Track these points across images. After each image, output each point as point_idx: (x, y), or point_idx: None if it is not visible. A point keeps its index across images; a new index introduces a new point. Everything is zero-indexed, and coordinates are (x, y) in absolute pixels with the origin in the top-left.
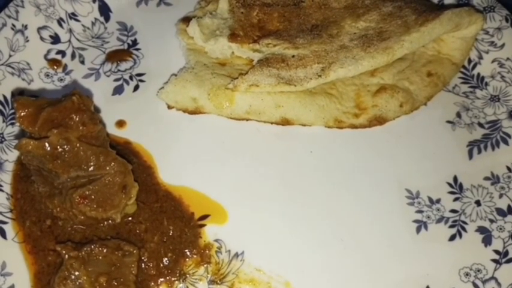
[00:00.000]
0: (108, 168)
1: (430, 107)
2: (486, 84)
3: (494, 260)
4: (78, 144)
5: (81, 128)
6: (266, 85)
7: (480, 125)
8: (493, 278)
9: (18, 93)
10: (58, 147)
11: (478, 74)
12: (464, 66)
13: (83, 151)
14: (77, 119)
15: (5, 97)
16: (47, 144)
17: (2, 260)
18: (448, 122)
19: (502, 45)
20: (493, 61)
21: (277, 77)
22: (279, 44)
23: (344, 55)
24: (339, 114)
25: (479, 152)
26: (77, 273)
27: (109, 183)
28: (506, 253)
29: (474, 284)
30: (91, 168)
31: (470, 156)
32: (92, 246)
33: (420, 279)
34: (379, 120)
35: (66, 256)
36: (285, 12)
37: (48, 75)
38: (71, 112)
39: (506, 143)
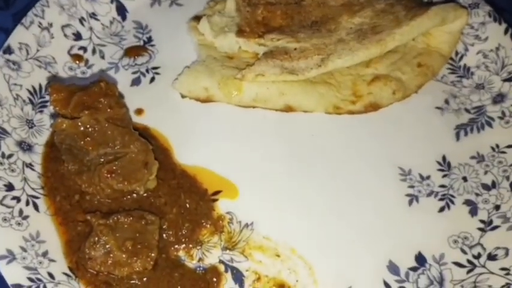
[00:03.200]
0: (132, 146)
1: (421, 95)
2: (472, 73)
3: (480, 229)
4: (106, 125)
5: (108, 110)
6: (271, 75)
7: (466, 110)
8: (478, 243)
9: (48, 81)
10: (89, 126)
11: (465, 65)
12: (451, 58)
13: (110, 131)
14: (105, 102)
15: (34, 88)
16: (79, 124)
17: (36, 229)
18: (437, 108)
19: (486, 38)
20: (478, 53)
21: (281, 67)
22: (282, 38)
23: (341, 47)
24: (338, 101)
25: (466, 134)
26: (105, 238)
27: (133, 159)
28: (491, 222)
29: (462, 249)
30: (117, 146)
31: (458, 138)
32: (119, 216)
33: (413, 245)
34: (373, 107)
35: (96, 223)
36: (287, 10)
37: (71, 69)
38: (99, 96)
39: (490, 125)
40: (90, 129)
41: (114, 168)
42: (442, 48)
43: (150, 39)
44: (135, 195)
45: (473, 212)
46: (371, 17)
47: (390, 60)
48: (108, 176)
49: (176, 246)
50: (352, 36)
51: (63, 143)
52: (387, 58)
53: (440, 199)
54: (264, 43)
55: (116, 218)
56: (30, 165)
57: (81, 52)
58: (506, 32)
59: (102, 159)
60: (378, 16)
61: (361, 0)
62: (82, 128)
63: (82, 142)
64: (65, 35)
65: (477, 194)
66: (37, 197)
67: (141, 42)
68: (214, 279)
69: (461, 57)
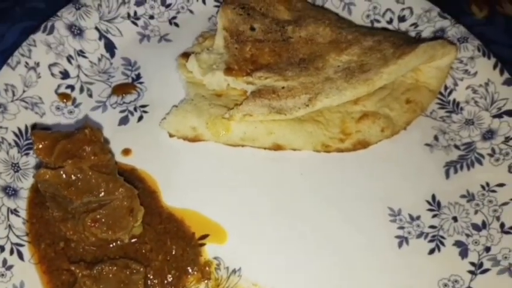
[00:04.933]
0: (116, 193)
1: (410, 131)
2: (461, 109)
3: (470, 271)
4: (90, 173)
5: (92, 157)
6: (259, 114)
7: (456, 146)
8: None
9: (32, 127)
10: (72, 176)
11: (454, 100)
12: (440, 93)
13: (94, 179)
14: (89, 149)
15: (19, 130)
16: (62, 174)
17: (20, 279)
18: (426, 144)
19: (475, 73)
20: (467, 88)
21: (268, 106)
22: (270, 76)
23: (329, 86)
24: (326, 139)
25: (456, 171)
26: None
27: (118, 207)
28: (481, 265)
29: None
30: (101, 194)
31: (447, 175)
32: (103, 266)
33: None
34: (362, 144)
35: (80, 274)
36: (275, 47)
37: (59, 108)
38: (83, 144)
39: (480, 163)
40: (73, 179)
41: (98, 217)
42: (430, 83)
43: (138, 76)
44: (120, 242)
45: (464, 253)
46: (358, 55)
47: (378, 96)
48: (92, 225)
49: None
50: (340, 74)
51: (47, 191)
52: (375, 95)
53: (430, 240)
54: (252, 81)
55: (100, 268)
56: (15, 211)
57: (68, 91)
58: (495, 66)
59: (86, 208)
60: (366, 54)
61: (348, 37)
62: (65, 178)
63: (65, 192)
64: (52, 74)
65: (467, 235)
66: (22, 245)
67: (130, 80)
68: None
69: (451, 92)
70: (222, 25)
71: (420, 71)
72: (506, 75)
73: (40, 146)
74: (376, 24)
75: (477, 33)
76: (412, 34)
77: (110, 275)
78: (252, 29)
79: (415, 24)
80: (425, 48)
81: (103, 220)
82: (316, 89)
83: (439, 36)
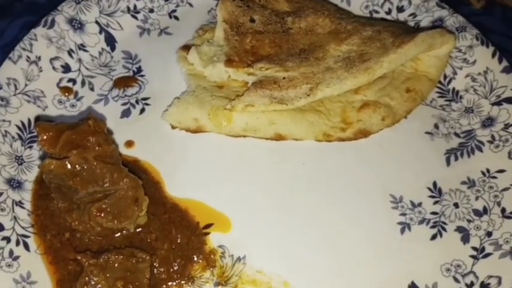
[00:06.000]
0: (121, 183)
1: (410, 120)
2: (461, 97)
3: (472, 256)
4: (95, 163)
5: (97, 148)
6: (260, 105)
7: (456, 134)
8: (471, 272)
9: (35, 119)
10: (77, 166)
11: (453, 89)
12: (440, 82)
13: (99, 169)
14: (93, 140)
15: (22, 123)
16: (67, 164)
17: (26, 270)
18: (427, 133)
19: (474, 62)
20: (466, 76)
21: (270, 97)
22: (271, 67)
23: (329, 76)
24: (327, 128)
25: (456, 159)
26: (96, 278)
27: (122, 197)
28: (483, 249)
29: (455, 278)
30: (106, 184)
31: (448, 163)
32: (109, 255)
33: (406, 275)
34: (363, 133)
35: (86, 264)
36: (275, 38)
37: (61, 102)
38: (87, 134)
39: (480, 150)
40: (78, 169)
41: (104, 206)
42: (430, 72)
43: (139, 69)
44: (125, 231)
45: (466, 239)
46: (358, 45)
47: (379, 86)
48: (98, 214)
49: (168, 283)
50: (340, 64)
51: (52, 182)
52: (376, 84)
53: (432, 226)
54: (253, 72)
55: (106, 257)
56: (20, 203)
57: (70, 84)
58: (493, 55)
59: (91, 198)
60: (365, 44)
61: (348, 27)
62: (70, 168)
63: (71, 182)
64: (54, 68)
65: (469, 221)
66: (27, 236)
67: (131, 73)
68: None
69: (450, 81)
70: (221, 17)
71: (419, 60)
72: (504, 63)
73: (44, 137)
74: (374, 15)
75: (475, 23)
76: (411, 24)
77: (116, 264)
78: (252, 20)
79: (413, 15)
80: (424, 37)
81: (108, 210)
82: (317, 78)
83: (437, 25)
